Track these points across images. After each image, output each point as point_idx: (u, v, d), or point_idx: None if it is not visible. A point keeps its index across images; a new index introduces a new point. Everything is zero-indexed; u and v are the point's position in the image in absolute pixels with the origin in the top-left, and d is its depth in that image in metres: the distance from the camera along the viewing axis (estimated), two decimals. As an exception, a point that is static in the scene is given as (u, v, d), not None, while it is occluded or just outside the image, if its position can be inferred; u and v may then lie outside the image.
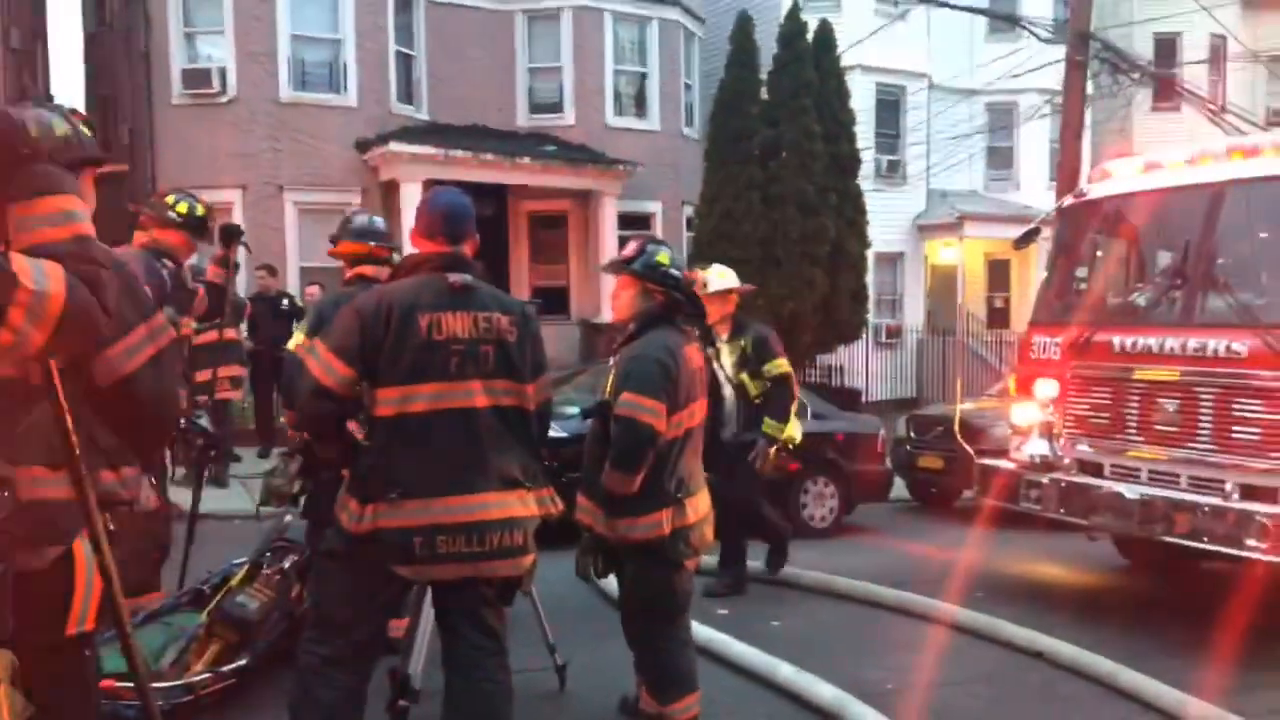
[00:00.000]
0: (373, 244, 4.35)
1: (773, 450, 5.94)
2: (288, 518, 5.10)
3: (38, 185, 1.84)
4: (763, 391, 6.03)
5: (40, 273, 1.70)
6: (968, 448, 6.93)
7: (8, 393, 2.20)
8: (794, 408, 6.11)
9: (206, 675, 3.71)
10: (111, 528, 2.44)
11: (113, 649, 3.25)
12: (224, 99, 14.09)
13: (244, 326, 10.08)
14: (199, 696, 3.65)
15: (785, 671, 4.36)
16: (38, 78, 16.56)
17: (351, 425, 3.10)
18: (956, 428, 7.27)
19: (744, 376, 6.06)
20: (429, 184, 14.44)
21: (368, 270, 4.28)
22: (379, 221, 4.54)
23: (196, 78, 14.12)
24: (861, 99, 17.41)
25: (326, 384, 2.89)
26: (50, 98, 17.42)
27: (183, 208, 4.37)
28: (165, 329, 2.55)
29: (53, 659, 2.33)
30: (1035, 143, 20.41)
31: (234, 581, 4.24)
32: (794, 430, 6.10)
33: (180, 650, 3.90)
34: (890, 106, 19.72)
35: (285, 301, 10.65)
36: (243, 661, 3.84)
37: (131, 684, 3.03)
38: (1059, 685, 4.58)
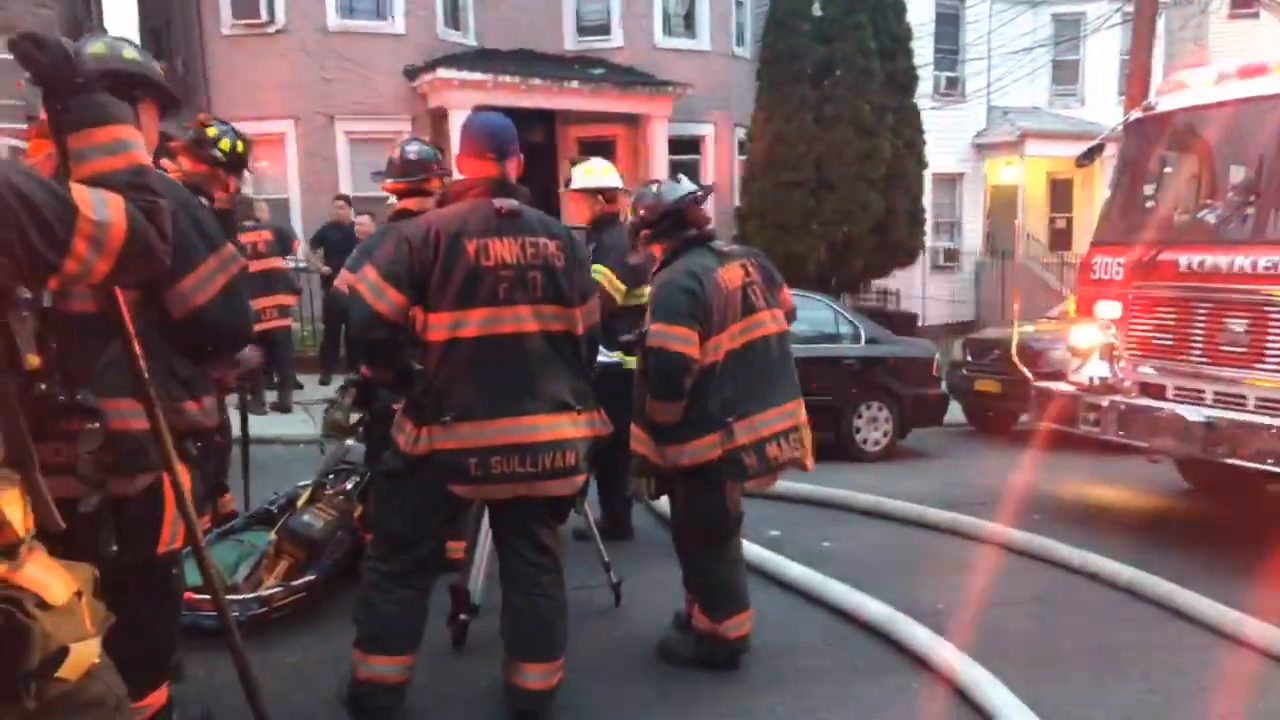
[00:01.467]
0: (416, 177, 4.33)
1: None
2: (349, 442, 5.26)
3: (94, 115, 1.85)
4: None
5: (101, 202, 1.72)
6: (1025, 370, 6.82)
7: (88, 328, 2.28)
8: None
9: (277, 589, 3.88)
10: (194, 453, 2.55)
11: (192, 564, 3.42)
12: (273, 29, 14.09)
13: (320, 253, 10.29)
14: (272, 609, 3.82)
15: (836, 589, 4.42)
16: (92, 11, 16.70)
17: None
18: (1014, 350, 7.14)
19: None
20: (478, 110, 14.36)
21: (411, 204, 4.28)
22: (425, 151, 4.46)
23: (245, 7, 14.11)
24: (919, 13, 16.79)
25: (379, 310, 2.92)
26: (104, 32, 17.60)
27: (225, 145, 4.13)
28: (234, 259, 2.61)
29: (143, 576, 2.47)
30: (1103, 55, 19.55)
31: (299, 502, 4.39)
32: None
33: (252, 566, 4.08)
34: (949, 20, 19.00)
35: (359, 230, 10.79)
36: (310, 577, 4.00)
37: (209, 596, 3.21)
38: (1115, 606, 4.56)
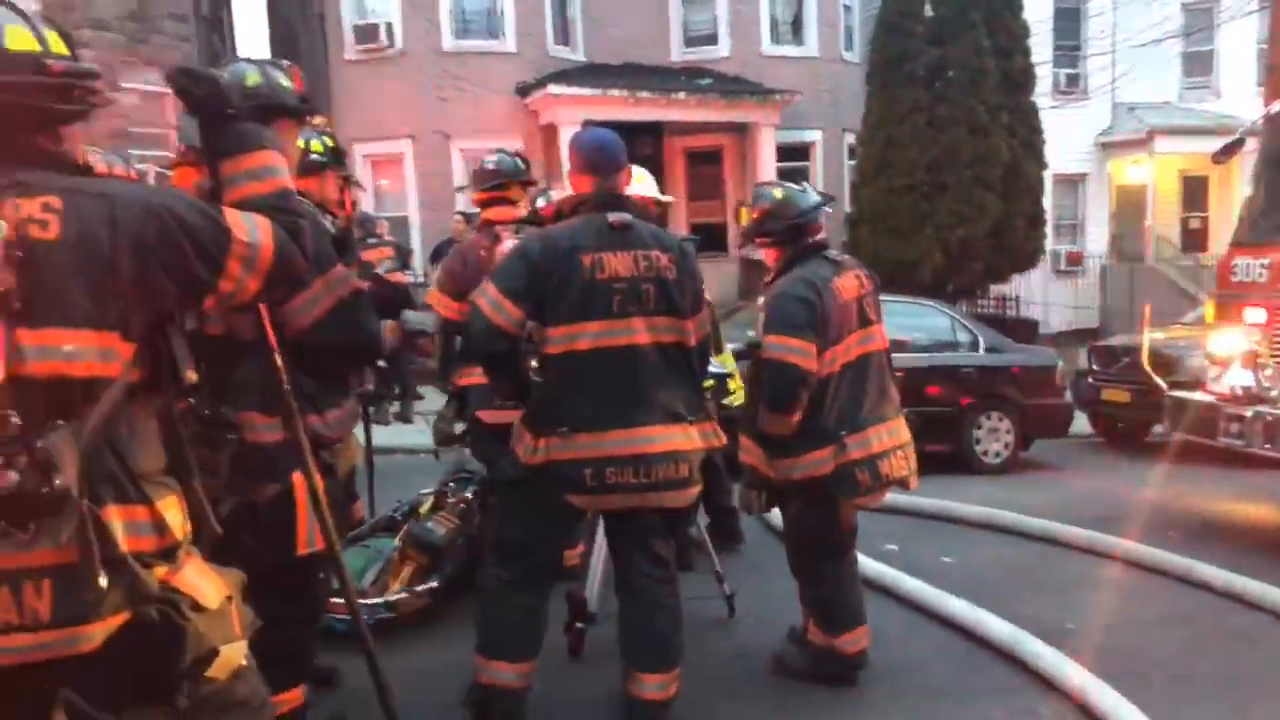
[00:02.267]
0: (494, 184, 4.39)
1: None
2: (467, 451, 5.41)
3: (242, 143, 1.97)
4: None
5: (252, 225, 1.83)
6: (1158, 379, 6.49)
7: (220, 349, 2.44)
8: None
9: (403, 594, 4.02)
10: (328, 460, 2.69)
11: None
12: (392, 52, 14.66)
13: (437, 268, 10.64)
14: (397, 613, 3.95)
15: (956, 606, 4.29)
16: (226, 41, 17.71)
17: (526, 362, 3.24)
18: (1145, 358, 6.81)
19: None
20: (587, 125, 14.60)
21: (494, 214, 4.35)
22: (504, 161, 4.49)
23: (366, 33, 14.72)
24: (1037, 9, 16.21)
25: (498, 323, 2.97)
26: (251, 60, 18.61)
27: (317, 145, 3.99)
28: (343, 280, 2.73)
29: (284, 576, 2.61)
30: (1239, 45, 18.45)
31: (422, 509, 4.54)
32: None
33: (379, 571, 4.23)
34: (1069, 15, 18.28)
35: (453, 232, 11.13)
36: (434, 583, 4.12)
37: (342, 599, 3.36)
38: (1262, 630, 4.29)
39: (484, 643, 3.14)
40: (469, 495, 4.39)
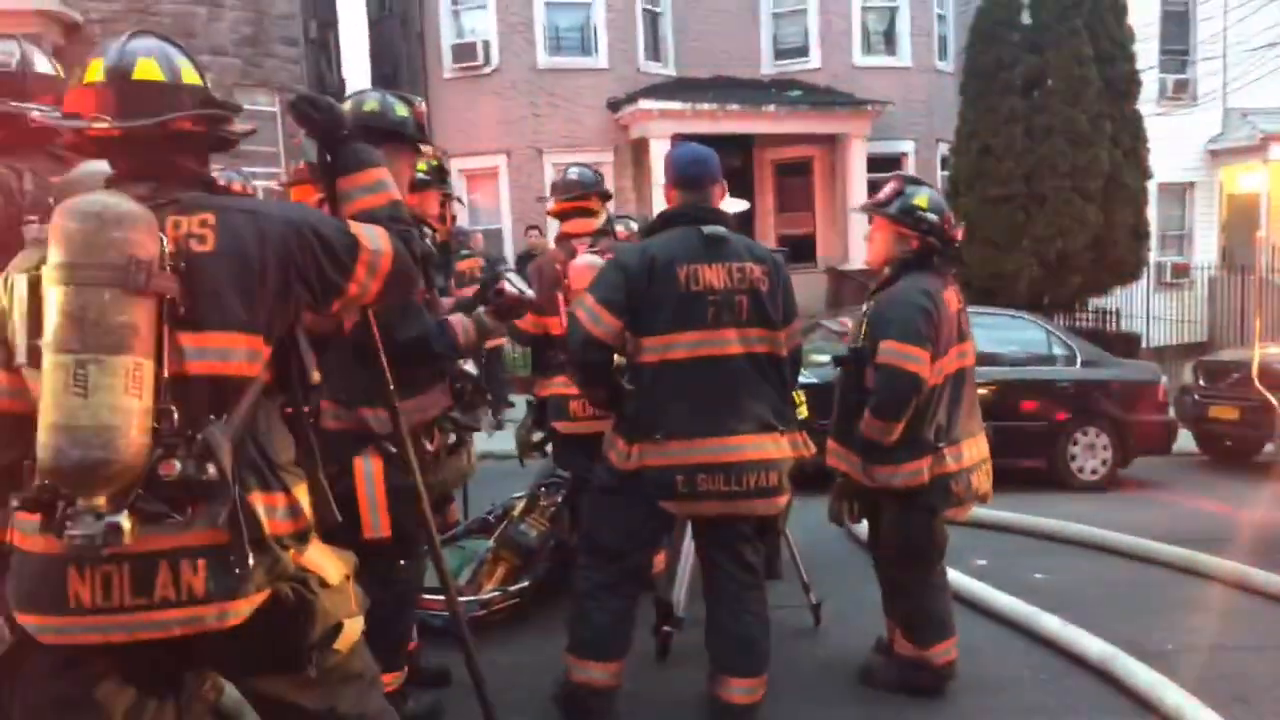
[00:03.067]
0: (573, 194, 4.47)
1: None
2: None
3: (358, 161, 2.17)
4: None
5: (373, 234, 2.02)
6: (1269, 396, 6.24)
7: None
8: None
9: (496, 593, 4.16)
10: (390, 452, 2.80)
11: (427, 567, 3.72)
12: (488, 70, 15.06)
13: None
14: (490, 612, 4.10)
15: (1050, 623, 4.22)
16: (332, 63, 18.48)
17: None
18: (1255, 373, 6.55)
19: None
20: (677, 139, 14.74)
21: (571, 226, 4.45)
22: (584, 173, 4.58)
23: (464, 52, 15.17)
24: (1143, 13, 15.69)
25: (596, 334, 3.07)
26: (343, 81, 19.43)
27: (423, 166, 4.10)
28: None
29: (368, 562, 2.76)
30: (1364, 45, 17.48)
31: (515, 512, 4.68)
32: None
33: (473, 571, 4.40)
34: (1178, 19, 17.60)
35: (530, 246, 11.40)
36: (525, 583, 4.26)
37: (439, 597, 3.52)
38: (1379, 659, 4.10)
39: (575, 642, 3.24)
40: (559, 499, 4.51)
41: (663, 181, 3.42)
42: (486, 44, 15.05)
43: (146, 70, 1.80)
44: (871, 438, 3.49)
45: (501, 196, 15.29)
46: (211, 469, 1.67)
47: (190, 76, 1.86)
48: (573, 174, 4.63)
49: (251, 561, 1.72)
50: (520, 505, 4.72)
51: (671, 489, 3.07)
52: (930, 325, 3.44)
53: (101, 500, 1.59)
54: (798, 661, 3.97)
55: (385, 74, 18.02)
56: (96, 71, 1.79)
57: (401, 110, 2.88)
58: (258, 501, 1.77)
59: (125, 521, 1.60)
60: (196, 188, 1.86)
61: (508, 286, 3.10)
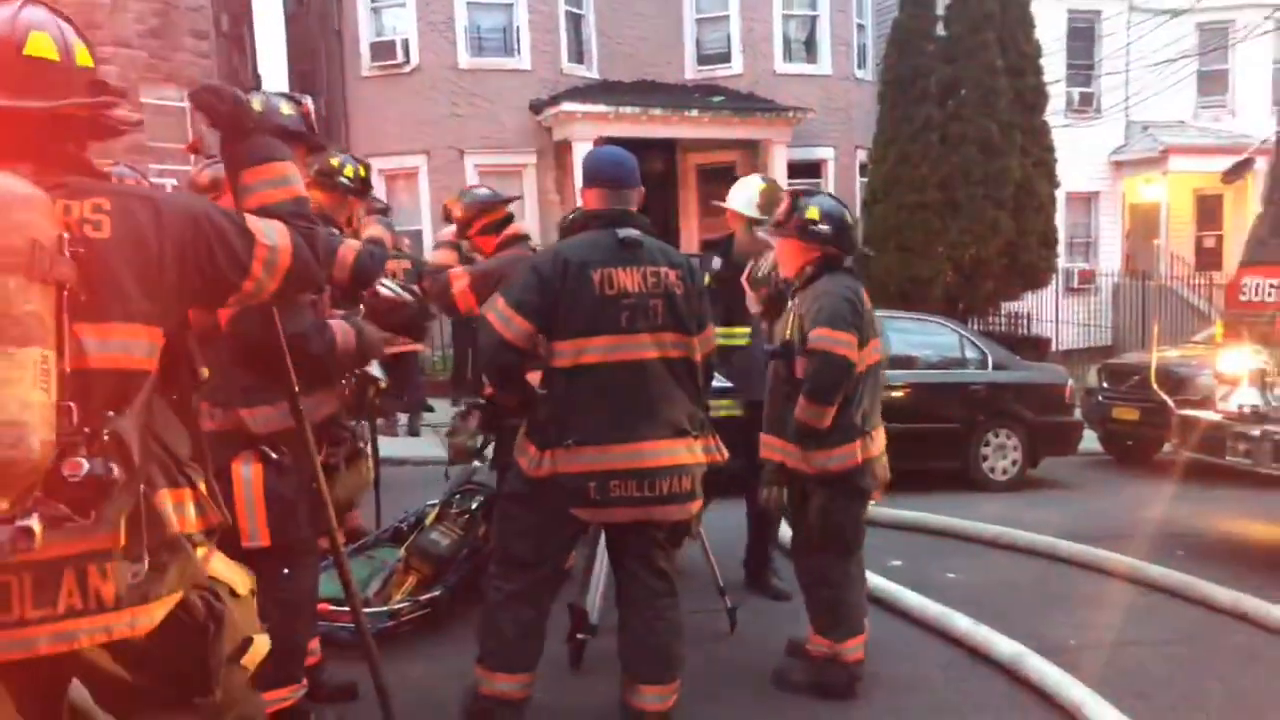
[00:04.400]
0: (471, 216, 4.51)
1: None
2: (476, 463, 5.45)
3: (264, 154, 2.09)
4: None
5: (271, 229, 1.95)
6: (1167, 398, 6.48)
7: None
8: None
9: (405, 604, 4.05)
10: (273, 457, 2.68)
11: (328, 576, 3.61)
12: (408, 69, 14.80)
13: None
14: (400, 622, 3.99)
15: (961, 623, 4.29)
16: (246, 58, 17.95)
17: (530, 375, 3.25)
18: (1153, 376, 6.79)
19: None
20: (600, 142, 14.71)
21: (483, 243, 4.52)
22: (472, 196, 4.65)
23: (383, 50, 14.88)
24: (1050, 28, 16.24)
25: (507, 337, 3.01)
26: (258, 77, 18.90)
27: (350, 171, 4.19)
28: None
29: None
30: (1254, 64, 18.42)
31: (427, 521, 4.57)
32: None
33: (383, 581, 4.27)
34: (1083, 34, 18.30)
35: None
36: (436, 593, 4.16)
37: (346, 608, 3.39)
38: (1267, 650, 4.27)
39: (485, 654, 3.16)
40: (473, 507, 4.42)
41: (584, 184, 3.35)
42: (406, 42, 14.79)
43: (40, 46, 1.69)
44: (807, 423, 3.57)
45: (421, 197, 15.04)
46: (113, 467, 1.57)
47: (84, 58, 1.77)
48: (484, 193, 4.67)
49: (164, 561, 1.64)
50: (433, 513, 4.62)
51: (584, 496, 3.02)
52: (856, 315, 3.60)
53: (4, 504, 1.48)
54: (712, 666, 3.96)
55: (303, 71, 17.59)
56: None
57: (288, 109, 2.77)
58: (166, 499, 1.70)
59: (36, 525, 1.49)
60: (78, 173, 1.75)
61: (382, 290, 3.01)
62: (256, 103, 2.72)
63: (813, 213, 3.69)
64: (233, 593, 1.78)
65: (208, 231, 1.81)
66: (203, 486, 1.80)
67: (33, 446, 1.48)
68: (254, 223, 1.92)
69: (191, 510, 1.75)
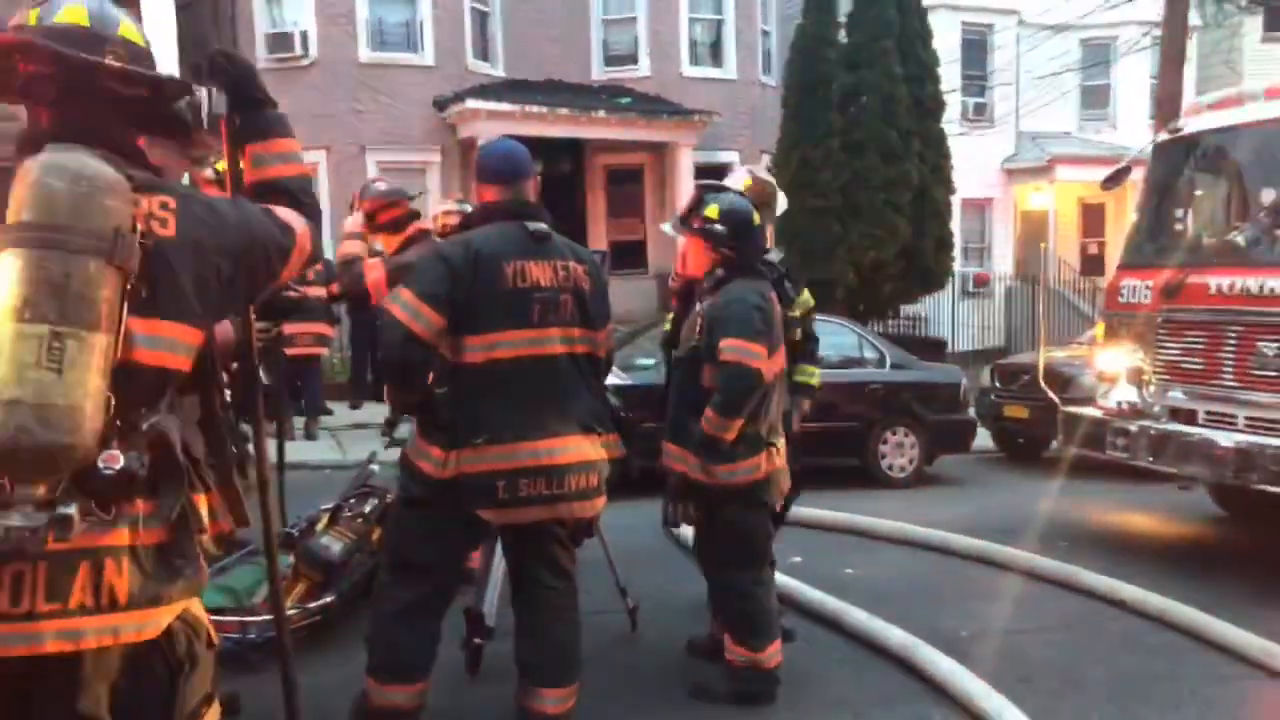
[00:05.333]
0: (375, 209, 4.44)
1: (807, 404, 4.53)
2: (374, 466, 5.30)
3: (275, 127, 2.05)
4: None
5: (294, 218, 1.94)
6: (1053, 395, 6.74)
7: None
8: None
9: (293, 611, 3.89)
10: None
11: (210, 585, 3.44)
12: (306, 61, 14.39)
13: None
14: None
15: (856, 616, 4.36)
16: (132, 48, 17.17)
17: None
18: (1040, 375, 7.05)
19: None
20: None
21: (386, 242, 4.46)
22: (374, 189, 4.57)
23: (280, 42, 14.44)
24: (946, 39, 16.80)
25: (415, 330, 2.86)
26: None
27: (221, 166, 4.22)
28: None
29: None
30: (1134, 79, 19.42)
31: (319, 526, 4.42)
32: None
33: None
34: (977, 46, 19.00)
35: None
36: (327, 599, 4.01)
37: (229, 618, 3.25)
38: (1144, 635, 4.47)
39: (377, 665, 3.05)
40: (367, 510, 4.29)
41: (479, 178, 3.23)
42: (304, 34, 14.38)
43: (72, 14, 1.68)
44: (713, 435, 3.49)
45: (321, 194, 14.60)
46: (140, 464, 1.55)
47: (129, 32, 1.75)
48: (382, 188, 4.57)
49: (182, 563, 1.60)
50: (325, 517, 4.46)
51: (492, 495, 2.91)
52: (765, 323, 3.53)
53: (42, 489, 1.45)
54: (611, 668, 3.92)
55: (195, 63, 16.88)
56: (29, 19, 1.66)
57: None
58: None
59: (75, 513, 1.47)
60: (142, 168, 1.71)
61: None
62: None
63: (711, 211, 3.64)
64: (210, 641, 1.71)
65: (264, 241, 1.84)
66: (217, 492, 1.77)
67: (86, 434, 1.46)
68: (283, 214, 1.92)
69: (204, 515, 1.71)
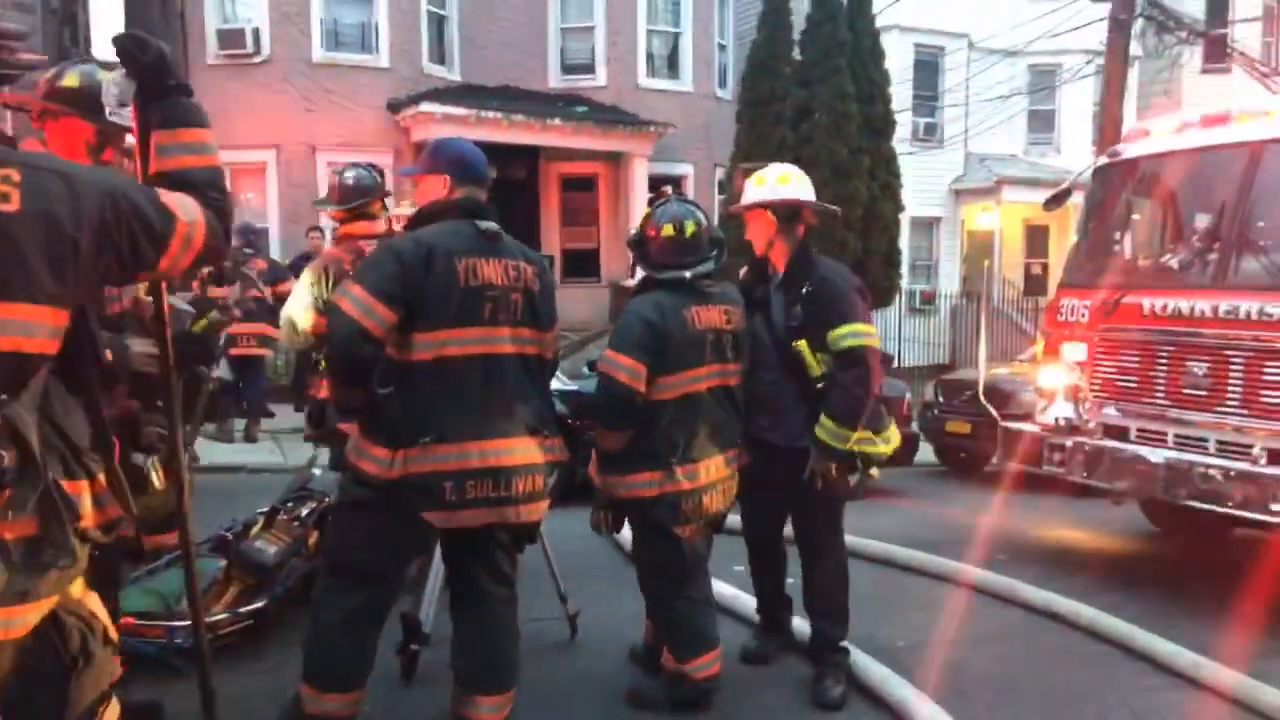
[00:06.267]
0: (356, 203, 4.41)
1: (834, 467, 3.83)
2: (316, 470, 5.21)
3: (184, 116, 1.97)
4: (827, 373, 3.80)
5: (188, 205, 1.84)
6: (993, 411, 6.85)
7: None
8: (877, 404, 3.98)
9: (224, 616, 3.80)
10: None
11: (137, 589, 3.36)
12: (258, 59, 14.18)
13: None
14: (217, 636, 3.73)
15: (796, 626, 4.38)
16: (79, 39, 16.74)
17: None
18: (981, 391, 7.18)
19: (801, 345, 3.78)
20: (460, 145, 14.45)
21: (355, 229, 4.38)
22: (363, 176, 4.50)
23: (231, 38, 14.20)
24: (898, 59, 17.09)
25: (367, 326, 2.79)
26: (92, 59, 17.65)
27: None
28: None
29: None
30: (1078, 105, 19.91)
31: (254, 529, 4.32)
32: (881, 439, 4.00)
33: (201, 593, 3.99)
34: (928, 67, 19.34)
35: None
36: (260, 604, 3.93)
37: (154, 623, 3.15)
38: (1076, 646, 4.55)
39: (314, 673, 2.97)
40: (304, 514, 4.21)
41: (422, 170, 3.16)
42: (257, 32, 14.17)
43: None
44: (601, 444, 3.51)
45: (270, 194, 14.42)
46: (6, 454, 1.46)
47: None
48: (350, 179, 4.49)
49: (68, 552, 1.52)
50: (261, 520, 4.37)
51: (439, 497, 2.85)
52: (653, 338, 3.42)
53: None
54: (550, 676, 3.89)
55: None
56: None
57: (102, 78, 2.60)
58: (64, 489, 1.57)
59: None
60: None
61: (177, 304, 2.77)
62: (73, 78, 2.57)
63: (644, 221, 3.66)
64: (107, 637, 1.64)
65: (127, 211, 1.71)
66: (102, 478, 1.68)
67: None
68: (170, 198, 1.82)
69: (89, 504, 1.62)
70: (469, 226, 2.98)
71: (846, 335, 3.73)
